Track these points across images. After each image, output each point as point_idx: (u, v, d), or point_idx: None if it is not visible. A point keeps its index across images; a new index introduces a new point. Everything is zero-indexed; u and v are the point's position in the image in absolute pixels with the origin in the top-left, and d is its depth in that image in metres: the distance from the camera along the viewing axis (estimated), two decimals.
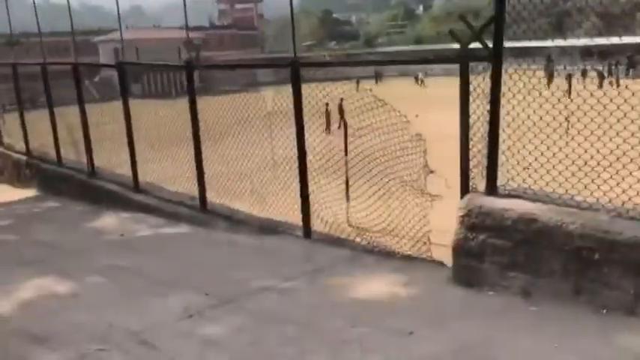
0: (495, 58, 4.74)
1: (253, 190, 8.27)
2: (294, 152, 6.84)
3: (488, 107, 4.85)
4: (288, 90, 6.73)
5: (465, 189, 5.20)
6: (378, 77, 55.90)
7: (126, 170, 9.73)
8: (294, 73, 6.54)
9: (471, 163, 5.18)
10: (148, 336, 4.38)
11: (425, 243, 5.98)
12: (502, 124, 4.87)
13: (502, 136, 4.88)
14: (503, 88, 4.81)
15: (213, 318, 4.70)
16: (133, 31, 60.82)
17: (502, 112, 4.84)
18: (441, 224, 6.82)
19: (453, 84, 5.19)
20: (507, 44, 4.79)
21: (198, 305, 4.94)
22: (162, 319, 4.73)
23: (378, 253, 6.08)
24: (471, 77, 5.05)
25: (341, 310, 4.70)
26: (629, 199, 4.27)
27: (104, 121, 10.79)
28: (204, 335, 4.38)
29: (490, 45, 4.78)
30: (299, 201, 6.87)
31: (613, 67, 46.93)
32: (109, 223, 8.66)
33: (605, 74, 43.36)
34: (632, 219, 4.14)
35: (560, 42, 4.99)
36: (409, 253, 5.97)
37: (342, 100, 7.18)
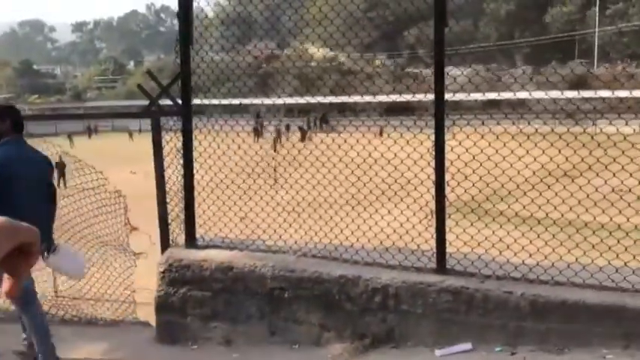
0: (185, 113, 4.85)
1: None
2: None
3: (182, 161, 4.93)
4: None
5: (165, 244, 5.12)
6: (91, 131, 53.46)
7: None
8: None
9: (170, 217, 5.16)
10: None
11: (130, 304, 5.70)
12: (198, 177, 5.00)
13: (197, 188, 5.00)
14: (206, 143, 4.96)
15: None
16: None
17: (197, 165, 4.97)
18: (148, 282, 6.60)
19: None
20: (214, 101, 5.00)
21: None
22: None
23: (77, 323, 5.54)
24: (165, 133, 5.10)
25: None
26: (311, 238, 4.75)
27: None
28: None
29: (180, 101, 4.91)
30: None
31: (312, 122, 53.12)
32: None
33: (306, 128, 48.85)
34: (314, 257, 4.60)
35: (266, 100, 5.41)
36: (113, 317, 5.60)
37: (60, 157, 6.53)
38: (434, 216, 4.13)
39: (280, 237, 4.83)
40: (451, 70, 4.04)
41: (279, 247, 4.76)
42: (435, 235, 4.12)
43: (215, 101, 4.87)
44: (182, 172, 4.91)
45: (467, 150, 4.06)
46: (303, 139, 40.05)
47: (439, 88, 4.02)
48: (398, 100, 4.64)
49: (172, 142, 4.95)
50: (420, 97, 4.29)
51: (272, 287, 4.43)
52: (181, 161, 4.93)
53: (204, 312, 4.64)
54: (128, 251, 5.77)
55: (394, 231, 4.30)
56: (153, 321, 5.11)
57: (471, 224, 4.10)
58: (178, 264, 4.76)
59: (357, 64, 4.94)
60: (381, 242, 4.40)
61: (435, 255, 4.13)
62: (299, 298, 4.33)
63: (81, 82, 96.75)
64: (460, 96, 4.08)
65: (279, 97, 5.11)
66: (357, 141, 4.35)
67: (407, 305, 4.00)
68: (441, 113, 4.06)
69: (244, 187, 4.95)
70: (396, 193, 4.34)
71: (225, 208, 4.97)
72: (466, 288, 3.87)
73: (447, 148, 4.04)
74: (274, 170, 5.53)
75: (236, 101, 5.24)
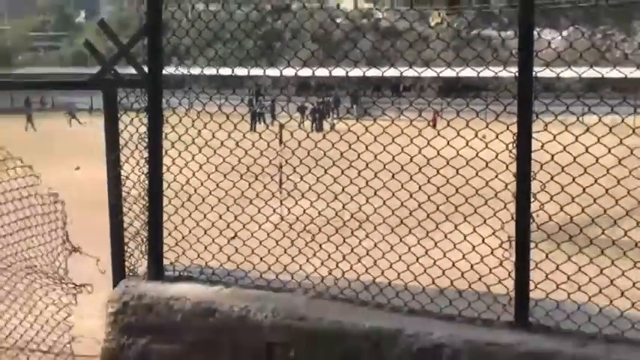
0: (153, 85, 4.77)
1: None
2: None
3: (146, 154, 4.87)
4: None
5: (119, 273, 5.05)
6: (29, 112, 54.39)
7: None
8: None
9: (128, 235, 5.09)
10: None
11: (67, 357, 5.64)
12: (169, 177, 4.93)
13: (168, 194, 4.92)
14: (182, 129, 4.92)
15: None
16: None
17: (168, 160, 4.91)
18: (94, 327, 6.52)
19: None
20: (194, 70, 4.95)
21: None
22: None
23: None
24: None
25: None
26: (330, 272, 4.63)
27: None
28: None
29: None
30: None
31: (332, 105, 53.06)
32: None
33: (323, 110, 48.93)
34: (334, 299, 4.48)
35: (271, 70, 5.33)
36: None
37: None
38: (512, 245, 4.00)
39: (285, 268, 4.73)
40: (541, 33, 3.93)
41: (283, 283, 4.66)
42: (513, 274, 4.00)
43: (196, 70, 4.79)
44: (146, 170, 4.85)
45: (564, 148, 3.91)
46: (320, 128, 40.09)
47: (525, 58, 3.91)
48: (464, 75, 4.50)
49: (133, 127, 4.89)
50: (494, 71, 4.15)
51: (271, 342, 4.33)
52: (146, 154, 4.87)
53: None
54: (66, 282, 5.69)
55: (453, 265, 4.16)
56: None
57: (569, 258, 3.96)
58: (137, 303, 4.68)
59: (403, 18, 4.81)
60: (433, 281, 4.27)
61: (512, 302, 4.01)
62: (311, 359, 4.22)
63: (10, 38, 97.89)
64: (559, 71, 3.95)
65: (290, 66, 5.01)
66: (402, 131, 4.22)
67: None
68: (526, 94, 3.94)
69: (235, 195, 4.86)
70: (456, 208, 4.19)
71: (206, 224, 4.87)
72: (559, 353, 3.74)
73: (536, 145, 3.92)
74: (279, 171, 5.42)
75: (226, 71, 5.15)
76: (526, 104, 3.93)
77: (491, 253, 4.10)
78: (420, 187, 4.22)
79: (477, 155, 4.02)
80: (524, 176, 3.93)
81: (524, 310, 3.98)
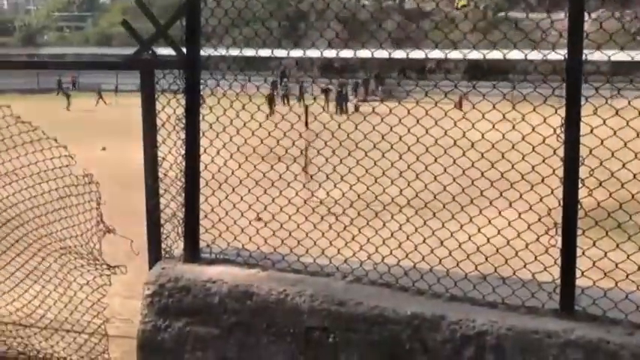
0: (190, 65, 4.74)
1: None
2: None
3: (183, 135, 4.84)
4: None
5: (155, 254, 5.05)
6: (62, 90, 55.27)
7: None
8: None
9: (164, 216, 5.08)
10: None
11: (101, 339, 5.67)
12: (206, 159, 4.90)
13: (205, 175, 4.90)
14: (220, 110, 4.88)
15: None
16: None
17: (205, 141, 4.88)
18: (128, 309, 6.54)
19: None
20: (231, 52, 4.90)
21: None
22: None
23: None
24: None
25: None
26: (369, 257, 4.59)
27: None
28: None
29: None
30: None
31: (358, 86, 53.81)
32: None
33: (352, 95, 49.49)
34: (373, 284, 4.44)
35: (295, 51, 5.23)
36: (76, 356, 5.58)
37: None
38: (559, 232, 3.93)
39: (323, 252, 4.69)
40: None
41: (320, 267, 4.63)
42: (559, 261, 3.94)
43: (234, 51, 4.75)
44: (183, 151, 4.82)
45: (615, 133, 3.83)
46: (342, 109, 40.68)
47: (576, 39, 3.82)
48: (492, 57, 4.42)
49: (169, 108, 4.86)
50: (544, 53, 4.07)
51: (310, 326, 4.30)
52: (183, 135, 4.84)
53: (210, 356, 4.56)
54: (100, 263, 5.71)
55: (497, 251, 4.10)
56: None
57: (617, 246, 3.88)
58: (173, 285, 4.67)
59: None
60: (476, 267, 4.21)
61: (558, 290, 3.95)
62: (350, 344, 4.19)
63: (35, 19, 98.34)
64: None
65: (314, 47, 4.95)
66: (437, 119, 4.11)
67: None
68: (575, 78, 3.85)
69: (273, 177, 4.82)
70: (501, 194, 4.13)
71: (243, 206, 4.85)
72: (606, 342, 3.68)
73: (583, 129, 3.84)
74: (305, 155, 5.36)
75: (265, 52, 5.09)
76: (575, 88, 3.85)
77: (537, 239, 4.04)
78: (463, 172, 4.16)
79: (523, 139, 3.95)
80: (572, 161, 3.86)
81: (570, 298, 3.92)
